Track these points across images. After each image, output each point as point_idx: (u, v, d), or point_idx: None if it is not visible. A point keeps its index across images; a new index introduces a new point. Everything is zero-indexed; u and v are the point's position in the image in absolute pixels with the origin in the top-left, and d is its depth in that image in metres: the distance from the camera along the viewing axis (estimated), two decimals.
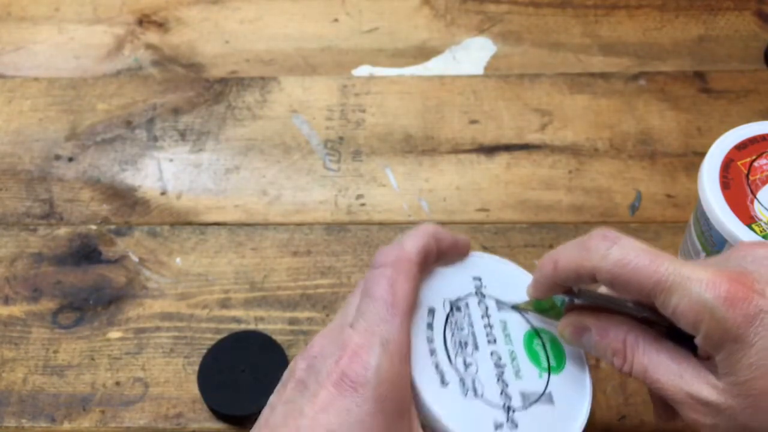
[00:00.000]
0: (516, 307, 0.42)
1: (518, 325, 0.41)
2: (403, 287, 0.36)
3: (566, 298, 0.40)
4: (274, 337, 0.52)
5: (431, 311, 0.39)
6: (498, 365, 0.39)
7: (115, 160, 0.63)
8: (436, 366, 0.38)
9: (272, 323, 0.54)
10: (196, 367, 0.52)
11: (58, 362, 0.53)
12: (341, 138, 0.64)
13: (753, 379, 0.33)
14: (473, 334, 0.39)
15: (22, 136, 0.65)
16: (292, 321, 0.55)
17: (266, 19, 0.72)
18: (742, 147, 0.47)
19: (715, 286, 0.33)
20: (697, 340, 0.35)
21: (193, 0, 0.74)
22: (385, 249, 0.38)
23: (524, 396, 0.39)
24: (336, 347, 0.35)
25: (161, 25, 0.72)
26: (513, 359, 0.40)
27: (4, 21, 0.73)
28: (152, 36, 0.71)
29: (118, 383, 0.52)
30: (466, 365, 0.38)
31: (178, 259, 0.58)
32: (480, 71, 0.68)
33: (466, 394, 0.37)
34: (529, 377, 0.40)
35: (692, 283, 0.34)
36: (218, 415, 0.50)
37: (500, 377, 0.39)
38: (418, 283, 0.38)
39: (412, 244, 0.38)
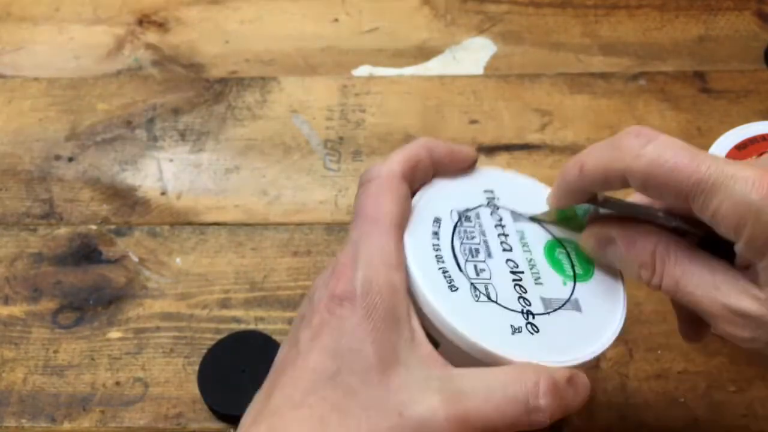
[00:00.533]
0: (534, 219, 0.38)
1: (538, 235, 0.38)
2: (386, 200, 0.35)
3: (590, 207, 0.37)
4: (274, 337, 0.52)
5: (437, 220, 0.36)
6: (515, 272, 0.36)
7: (115, 160, 0.63)
8: (444, 272, 0.35)
9: (272, 323, 0.54)
10: (196, 367, 0.52)
11: (58, 362, 0.53)
12: (341, 138, 0.64)
13: None
14: (485, 243, 0.36)
15: (22, 136, 0.65)
16: (292, 321, 0.54)
17: (266, 19, 0.72)
18: (742, 147, 0.47)
19: (763, 186, 0.30)
20: (738, 246, 0.32)
21: (193, 0, 0.74)
22: (372, 166, 0.37)
23: (545, 302, 0.36)
24: (327, 274, 0.36)
25: (161, 25, 0.72)
26: (532, 266, 0.37)
27: (4, 21, 0.73)
28: (152, 36, 0.71)
29: (118, 383, 0.52)
30: (478, 271, 0.35)
31: (178, 259, 0.58)
32: (480, 71, 0.68)
33: (477, 298, 0.35)
34: (552, 284, 0.36)
35: (737, 183, 0.31)
36: (218, 415, 0.50)
37: (517, 283, 0.36)
38: (405, 194, 0.36)
39: (396, 158, 0.37)
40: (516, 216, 0.38)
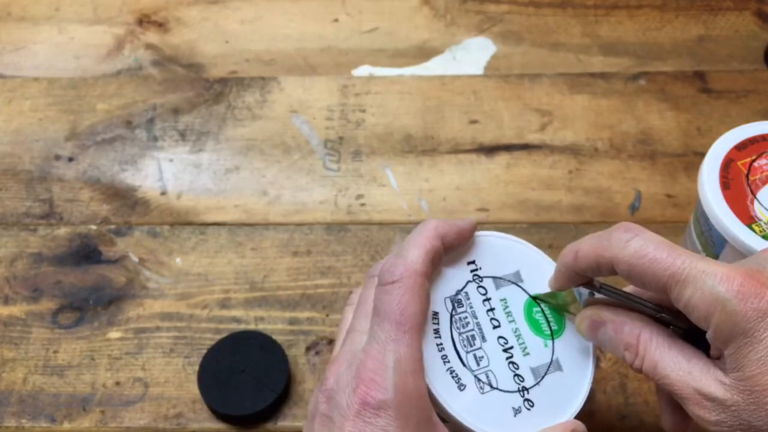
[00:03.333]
0: (537, 299, 0.42)
1: (518, 298, 0.42)
2: (412, 303, 0.37)
3: (587, 292, 0.41)
4: (274, 337, 0.52)
5: (435, 316, 0.40)
6: (506, 350, 0.40)
7: (115, 160, 0.63)
8: (451, 372, 0.39)
9: (272, 323, 0.54)
10: (196, 367, 0.52)
11: (58, 362, 0.53)
12: (341, 138, 0.64)
13: (759, 374, 0.33)
14: (478, 325, 0.40)
15: (22, 136, 0.65)
16: (292, 321, 0.55)
17: (266, 19, 0.72)
18: (742, 147, 0.47)
19: (729, 279, 0.34)
20: (708, 335, 0.35)
21: (193, 0, 0.74)
22: (389, 264, 0.38)
23: (534, 372, 0.40)
24: (350, 376, 0.36)
25: (161, 25, 0.72)
26: (518, 337, 0.41)
27: (4, 21, 0.73)
28: (152, 36, 0.71)
29: (118, 383, 0.52)
30: (478, 360, 0.40)
31: (178, 259, 0.58)
32: (480, 71, 0.68)
33: (483, 390, 0.39)
34: (536, 351, 0.41)
35: (707, 276, 0.34)
36: (218, 415, 0.50)
37: (510, 361, 0.40)
38: (427, 292, 0.38)
39: (416, 254, 0.39)
40: (497, 282, 0.42)
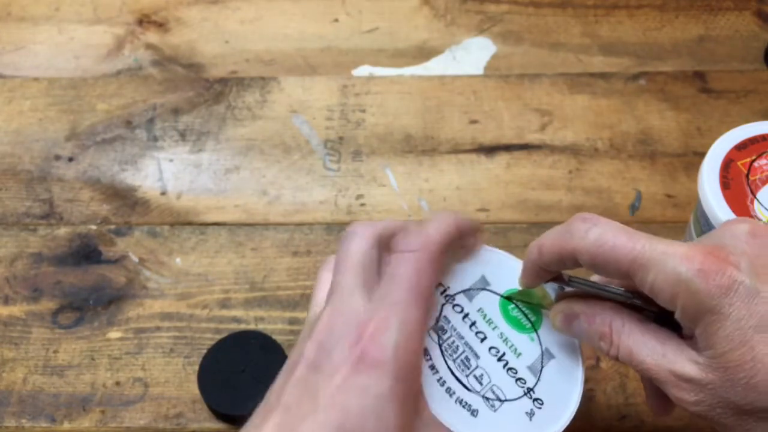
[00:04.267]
0: (509, 298, 0.42)
1: (491, 302, 0.42)
2: (426, 274, 0.37)
3: (557, 287, 0.41)
4: (274, 337, 0.52)
5: (426, 352, 0.39)
6: (500, 358, 0.40)
7: (115, 160, 0.63)
8: (460, 402, 0.39)
9: (272, 323, 0.54)
10: (196, 367, 0.52)
11: (58, 362, 0.53)
12: (341, 138, 0.64)
13: (730, 350, 0.33)
14: (467, 345, 0.40)
15: (22, 136, 0.65)
16: (292, 321, 0.55)
17: (266, 19, 0.72)
18: (742, 147, 0.47)
19: (690, 259, 0.34)
20: (677, 315, 0.35)
21: (193, 0, 0.74)
22: (408, 234, 0.38)
23: (532, 369, 0.40)
24: (349, 327, 0.35)
25: (161, 25, 0.72)
26: (506, 341, 0.41)
27: (4, 21, 0.73)
28: (152, 36, 0.71)
29: (118, 383, 0.52)
30: (480, 380, 0.39)
31: (178, 259, 0.58)
32: (480, 71, 0.68)
33: (494, 408, 0.39)
34: (526, 348, 0.41)
35: (668, 258, 0.34)
36: (218, 415, 0.50)
37: (508, 368, 0.40)
38: (440, 271, 0.38)
39: (437, 230, 0.38)
40: (468, 294, 0.42)
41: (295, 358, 0.36)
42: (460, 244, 0.41)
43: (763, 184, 0.45)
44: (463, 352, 0.40)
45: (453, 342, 0.40)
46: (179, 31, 0.72)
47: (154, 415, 0.51)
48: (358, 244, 0.38)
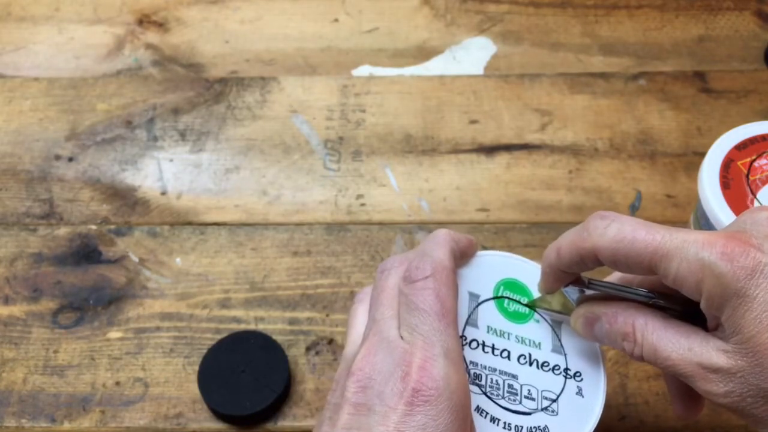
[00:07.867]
0: (531, 305, 0.42)
1: (489, 312, 0.41)
2: (449, 296, 0.37)
3: (578, 290, 0.40)
4: (274, 337, 0.52)
5: (479, 409, 0.39)
6: (531, 362, 0.40)
7: (115, 160, 0.63)
8: (515, 429, 0.38)
9: (272, 323, 0.54)
10: (196, 367, 0.52)
11: (58, 362, 0.53)
12: (341, 138, 0.64)
13: (758, 333, 0.33)
14: (503, 374, 0.40)
15: (22, 136, 0.65)
16: (292, 321, 0.55)
17: (266, 19, 0.72)
18: (742, 147, 0.47)
19: (711, 244, 0.33)
20: (702, 305, 0.34)
21: (193, 0, 0.74)
22: (416, 262, 0.38)
23: (556, 350, 0.41)
24: (394, 365, 0.35)
25: (161, 25, 0.72)
26: (523, 341, 0.41)
27: (4, 21, 0.73)
28: (152, 36, 0.71)
29: (118, 383, 0.52)
30: (531, 396, 0.39)
31: (178, 259, 0.58)
32: (480, 71, 0.68)
33: (555, 412, 0.39)
34: (539, 333, 0.41)
35: (689, 245, 0.34)
36: (218, 415, 0.50)
37: (540, 365, 0.40)
38: (457, 288, 0.38)
39: (441, 251, 0.39)
40: (470, 320, 0.41)
41: (336, 401, 0.36)
42: (466, 253, 0.41)
43: (763, 184, 0.45)
44: (503, 383, 0.39)
45: (490, 380, 0.39)
46: (179, 31, 0.72)
47: (154, 415, 0.51)
48: (395, 279, 0.38)
